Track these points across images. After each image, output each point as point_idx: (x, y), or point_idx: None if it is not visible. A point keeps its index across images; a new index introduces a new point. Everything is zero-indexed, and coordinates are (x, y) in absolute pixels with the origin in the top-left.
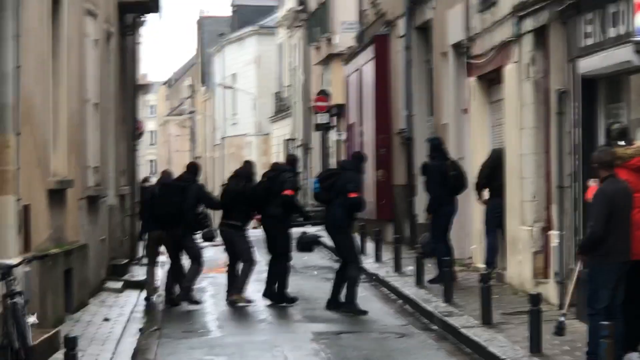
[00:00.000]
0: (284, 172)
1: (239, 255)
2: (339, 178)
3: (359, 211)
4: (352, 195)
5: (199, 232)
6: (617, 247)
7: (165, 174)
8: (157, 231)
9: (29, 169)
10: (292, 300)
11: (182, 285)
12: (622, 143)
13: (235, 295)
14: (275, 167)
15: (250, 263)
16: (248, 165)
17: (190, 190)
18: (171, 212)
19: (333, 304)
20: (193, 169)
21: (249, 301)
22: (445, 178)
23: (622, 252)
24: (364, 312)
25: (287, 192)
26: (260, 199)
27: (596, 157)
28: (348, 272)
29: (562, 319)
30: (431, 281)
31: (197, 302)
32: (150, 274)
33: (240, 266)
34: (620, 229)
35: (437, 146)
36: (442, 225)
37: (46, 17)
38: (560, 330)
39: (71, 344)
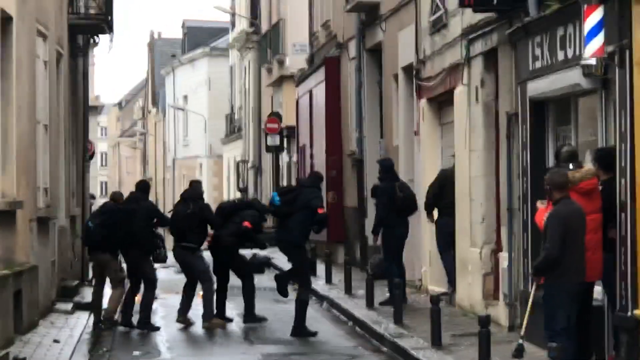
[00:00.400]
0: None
1: (196, 277)
2: (300, 194)
3: (324, 227)
4: (321, 211)
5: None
6: (572, 267)
7: (116, 195)
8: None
9: None
10: (262, 319)
11: (140, 313)
12: (571, 166)
13: (208, 322)
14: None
15: (210, 283)
16: (197, 186)
17: (141, 209)
18: (125, 234)
19: (298, 331)
20: (143, 187)
21: (229, 320)
22: (393, 200)
23: (577, 273)
24: (314, 334)
25: (246, 224)
26: (218, 223)
27: (549, 179)
28: (299, 295)
29: (521, 341)
30: (382, 303)
31: (156, 329)
32: (97, 296)
33: (199, 289)
34: (574, 250)
35: (386, 168)
36: (393, 247)
37: None
38: (519, 352)
39: None
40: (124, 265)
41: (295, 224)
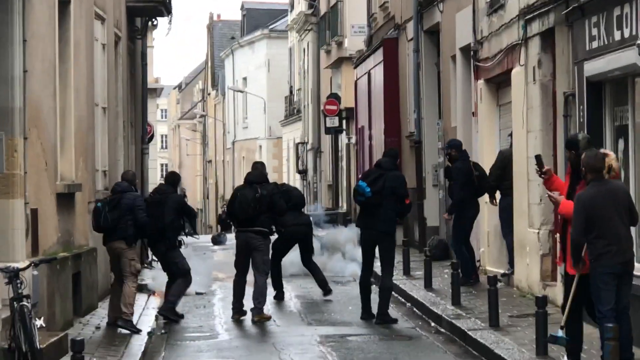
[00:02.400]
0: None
1: (259, 264)
2: (386, 179)
3: (405, 216)
4: (408, 201)
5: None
6: (607, 249)
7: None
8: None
9: (36, 173)
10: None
11: (166, 299)
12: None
13: (257, 316)
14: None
15: (268, 274)
16: (262, 168)
17: (168, 202)
18: (153, 227)
19: (368, 313)
20: (171, 179)
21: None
22: (470, 179)
23: (614, 254)
24: (395, 321)
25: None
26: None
27: (584, 161)
28: (385, 282)
29: (561, 333)
30: (460, 284)
31: (180, 317)
32: (114, 292)
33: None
34: (606, 231)
35: (459, 147)
36: (466, 229)
37: (54, 21)
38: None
39: (78, 347)
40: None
41: (386, 212)
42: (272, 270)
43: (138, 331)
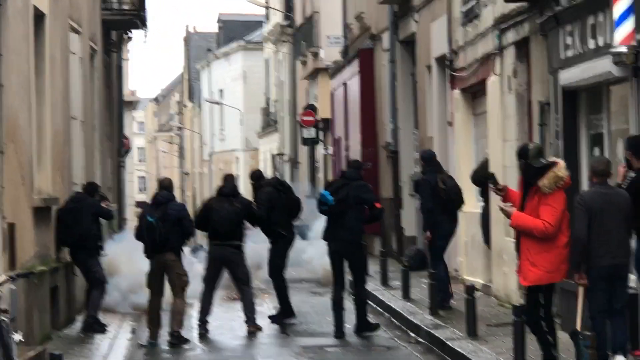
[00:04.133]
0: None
1: (240, 278)
2: (351, 188)
3: (378, 221)
4: (378, 205)
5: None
6: (596, 251)
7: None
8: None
9: (13, 187)
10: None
11: (88, 313)
12: (543, 161)
13: (252, 327)
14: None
15: (252, 287)
16: (233, 181)
17: (84, 209)
18: (73, 234)
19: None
20: (88, 188)
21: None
22: (436, 193)
23: (602, 256)
24: (377, 326)
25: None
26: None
27: (590, 165)
28: (360, 293)
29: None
30: (442, 306)
31: (104, 328)
32: (156, 308)
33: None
34: (600, 233)
35: (428, 159)
36: (440, 246)
37: (29, 35)
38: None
39: None
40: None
41: (353, 221)
42: (280, 285)
43: (187, 341)
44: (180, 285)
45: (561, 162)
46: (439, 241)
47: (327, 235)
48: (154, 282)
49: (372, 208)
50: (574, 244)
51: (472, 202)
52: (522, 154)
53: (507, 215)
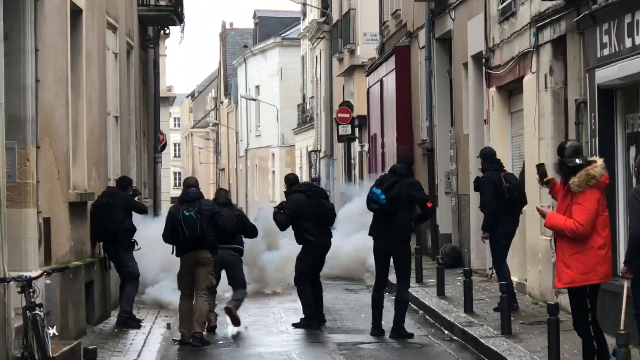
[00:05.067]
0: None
1: (236, 281)
2: (401, 187)
3: (428, 219)
4: (430, 204)
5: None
6: None
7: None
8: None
9: (49, 181)
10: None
11: (121, 309)
12: (578, 161)
13: (234, 308)
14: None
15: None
16: (225, 193)
17: (116, 204)
18: (106, 229)
19: (379, 330)
20: (122, 183)
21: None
22: (500, 191)
23: None
24: (411, 335)
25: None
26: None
27: (637, 163)
28: (401, 294)
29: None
30: (496, 309)
31: (139, 323)
32: (187, 307)
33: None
34: None
35: (488, 157)
36: (503, 245)
37: (66, 30)
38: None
39: (91, 355)
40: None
41: (402, 220)
42: (303, 291)
43: (207, 343)
44: (206, 284)
45: (599, 161)
46: (501, 239)
47: (375, 233)
48: (187, 282)
49: (423, 207)
50: (631, 239)
51: None
52: (560, 151)
53: (543, 215)
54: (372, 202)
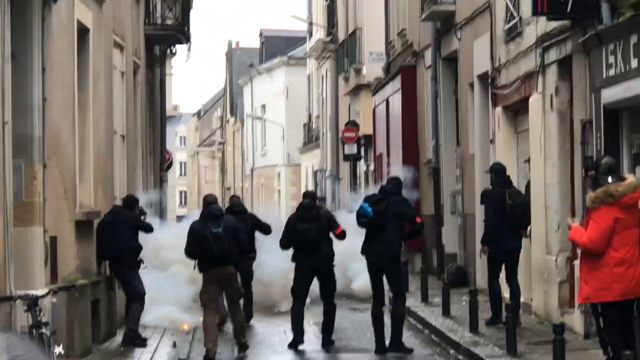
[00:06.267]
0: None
1: (248, 285)
2: (389, 202)
3: (418, 236)
4: (419, 219)
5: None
6: None
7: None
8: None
9: (55, 200)
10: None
11: (127, 327)
12: (610, 179)
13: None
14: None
15: None
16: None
17: (122, 222)
18: (111, 248)
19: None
20: (128, 202)
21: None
22: (502, 207)
23: None
24: (410, 351)
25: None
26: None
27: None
28: (397, 309)
29: None
30: (488, 324)
31: (144, 342)
32: (212, 322)
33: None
34: None
35: (498, 172)
36: (497, 262)
37: (73, 49)
38: None
39: None
40: None
41: (392, 235)
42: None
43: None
44: (237, 298)
45: (627, 180)
46: (497, 256)
47: (366, 249)
48: (211, 297)
49: (412, 222)
50: None
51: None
52: (595, 167)
53: (569, 228)
54: (360, 216)
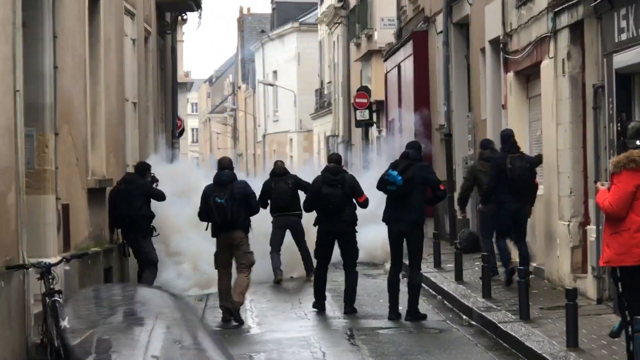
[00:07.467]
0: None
1: (301, 240)
2: (415, 169)
3: (440, 202)
4: (442, 187)
5: None
6: None
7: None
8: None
9: (67, 168)
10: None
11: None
12: (638, 142)
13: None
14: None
15: None
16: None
17: (135, 190)
18: (124, 215)
19: (396, 314)
20: (140, 168)
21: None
22: (503, 172)
23: None
24: (424, 317)
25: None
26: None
27: None
28: (414, 278)
29: None
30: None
31: None
32: (226, 286)
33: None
34: None
35: (504, 138)
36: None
37: (84, 17)
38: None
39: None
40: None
41: (416, 202)
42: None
43: (242, 322)
44: (247, 263)
45: None
46: (503, 217)
47: (389, 216)
48: (224, 261)
49: (436, 189)
50: None
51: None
52: (623, 132)
53: (597, 191)
54: (388, 184)
